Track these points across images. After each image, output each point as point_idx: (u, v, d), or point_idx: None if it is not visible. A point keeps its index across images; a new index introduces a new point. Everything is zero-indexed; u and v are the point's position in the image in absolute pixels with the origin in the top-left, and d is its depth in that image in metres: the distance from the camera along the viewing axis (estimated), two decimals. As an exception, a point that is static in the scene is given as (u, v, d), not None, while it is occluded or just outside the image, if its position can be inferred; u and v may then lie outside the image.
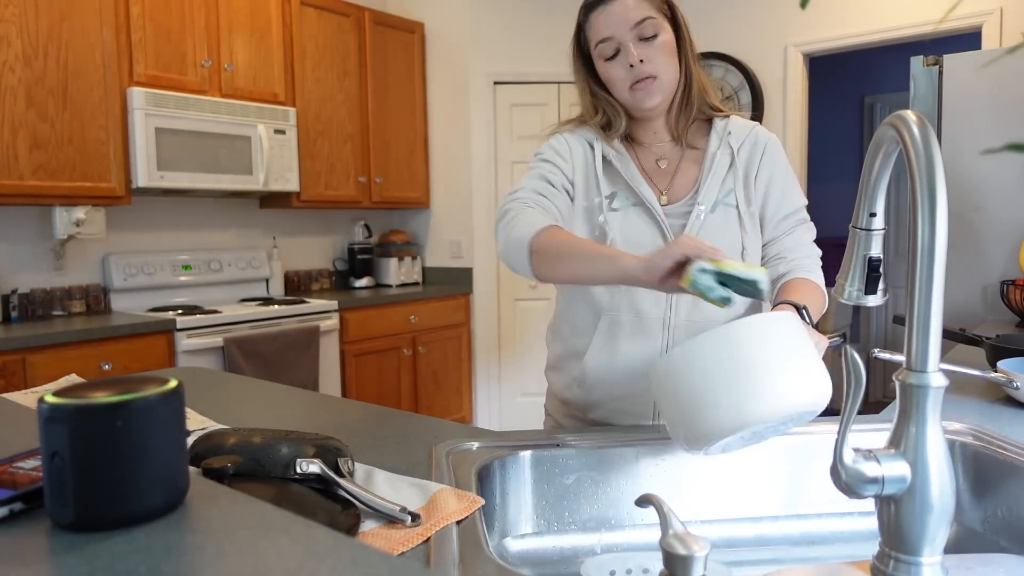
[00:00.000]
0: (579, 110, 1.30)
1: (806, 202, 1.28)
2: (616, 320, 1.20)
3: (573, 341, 1.27)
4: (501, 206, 1.22)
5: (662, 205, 1.22)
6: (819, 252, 1.26)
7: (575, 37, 1.24)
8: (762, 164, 1.25)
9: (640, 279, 0.93)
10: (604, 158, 1.25)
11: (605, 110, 1.25)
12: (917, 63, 2.60)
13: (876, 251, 0.71)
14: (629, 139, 1.28)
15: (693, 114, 1.25)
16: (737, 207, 1.21)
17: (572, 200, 1.25)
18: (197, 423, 1.11)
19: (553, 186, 1.23)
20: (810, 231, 1.27)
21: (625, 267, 0.95)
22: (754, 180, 1.24)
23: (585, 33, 1.21)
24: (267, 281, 3.76)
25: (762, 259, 1.25)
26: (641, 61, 1.15)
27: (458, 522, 0.77)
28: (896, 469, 0.57)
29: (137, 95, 2.90)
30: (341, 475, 0.81)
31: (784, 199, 1.25)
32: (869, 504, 0.60)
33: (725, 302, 0.85)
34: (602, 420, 1.25)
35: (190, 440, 0.83)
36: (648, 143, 1.28)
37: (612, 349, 1.21)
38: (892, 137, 0.62)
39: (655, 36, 1.15)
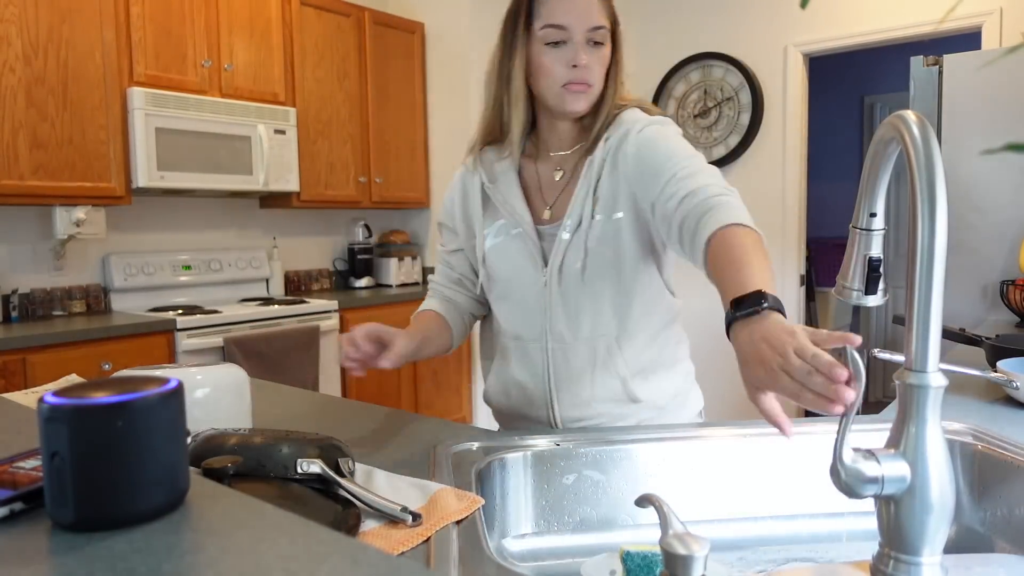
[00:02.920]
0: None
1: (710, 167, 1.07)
2: (504, 346, 1.26)
3: (484, 357, 1.36)
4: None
5: (545, 222, 1.19)
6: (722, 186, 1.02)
7: (516, 4, 1.15)
8: (620, 157, 1.13)
9: None
10: (483, 190, 1.23)
11: (508, 105, 1.17)
12: (917, 63, 2.60)
13: (876, 251, 0.71)
14: (526, 150, 1.23)
15: (600, 127, 1.16)
16: (613, 215, 1.13)
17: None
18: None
19: (451, 267, 1.33)
20: (712, 172, 1.04)
21: None
22: (622, 180, 1.13)
23: (535, 8, 1.12)
24: (267, 281, 3.76)
25: (660, 221, 1.06)
26: (585, 60, 1.10)
27: (458, 522, 0.77)
28: (896, 469, 0.57)
29: (137, 95, 2.90)
30: (342, 475, 0.81)
31: (663, 167, 1.06)
32: (868, 504, 0.60)
33: None
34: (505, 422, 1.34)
35: (190, 440, 0.83)
36: (551, 149, 1.22)
37: (504, 370, 1.26)
38: (892, 137, 0.62)
39: (601, 45, 1.12)
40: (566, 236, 1.14)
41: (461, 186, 1.28)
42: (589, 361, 1.17)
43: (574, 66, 1.11)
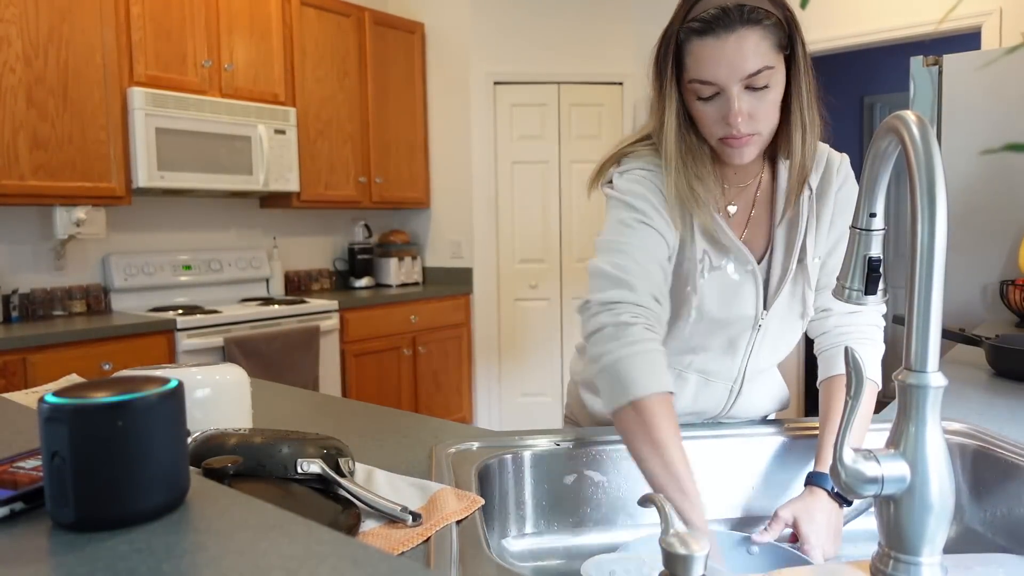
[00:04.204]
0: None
1: None
2: (682, 377, 1.12)
3: None
4: (595, 292, 0.97)
5: None
6: (881, 318, 1.10)
7: (665, 45, 0.98)
8: (837, 198, 1.07)
9: (689, 525, 0.84)
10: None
11: (691, 159, 1.02)
12: (917, 63, 2.60)
13: (876, 251, 0.71)
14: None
15: (801, 170, 1.02)
16: (804, 260, 1.06)
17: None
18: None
19: (660, 269, 1.01)
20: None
21: (682, 514, 0.84)
22: (826, 217, 1.06)
23: (683, 58, 0.96)
24: (267, 281, 3.76)
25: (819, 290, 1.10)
26: (740, 119, 0.93)
27: (458, 522, 0.77)
28: (896, 469, 0.57)
29: (137, 95, 2.90)
30: (342, 475, 0.81)
31: None
32: (868, 504, 0.60)
33: None
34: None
35: (190, 440, 0.83)
36: (726, 182, 1.08)
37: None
38: (892, 137, 0.62)
39: (767, 87, 0.93)
40: (782, 279, 1.06)
41: (657, 189, 1.04)
42: (761, 389, 1.17)
43: (729, 123, 0.94)
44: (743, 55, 0.91)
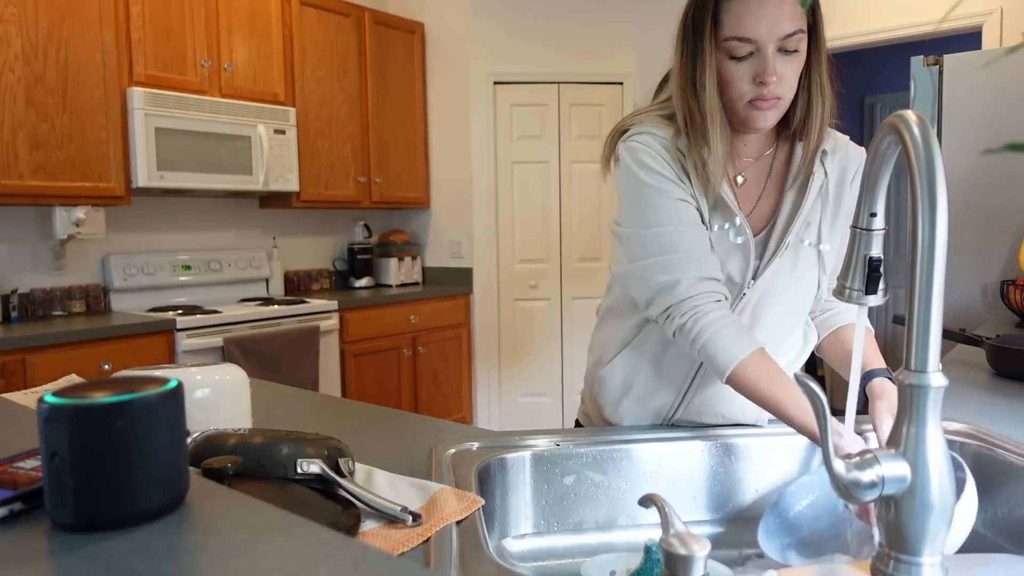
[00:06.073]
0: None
1: None
2: (657, 337, 1.12)
3: (604, 346, 1.21)
4: (649, 305, 1.04)
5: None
6: None
7: (702, 5, 1.00)
8: (852, 190, 1.09)
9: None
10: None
11: (701, 120, 1.03)
12: (917, 63, 2.60)
13: (876, 251, 0.71)
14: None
15: (816, 144, 1.06)
16: (818, 245, 1.06)
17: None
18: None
19: (695, 242, 1.04)
20: None
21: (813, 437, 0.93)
22: (844, 208, 1.08)
23: (720, 15, 0.98)
24: (267, 281, 3.76)
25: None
26: (774, 78, 0.97)
27: (458, 522, 0.77)
28: (896, 469, 0.57)
29: (137, 95, 2.90)
30: (342, 475, 0.81)
31: None
32: (869, 504, 0.60)
33: None
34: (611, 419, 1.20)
35: (190, 440, 0.83)
36: (735, 154, 1.10)
37: (642, 357, 1.14)
38: (892, 137, 0.62)
39: (795, 52, 0.98)
40: (779, 257, 1.05)
41: (672, 155, 1.06)
42: None
43: (762, 82, 0.98)
44: (783, 15, 0.95)
